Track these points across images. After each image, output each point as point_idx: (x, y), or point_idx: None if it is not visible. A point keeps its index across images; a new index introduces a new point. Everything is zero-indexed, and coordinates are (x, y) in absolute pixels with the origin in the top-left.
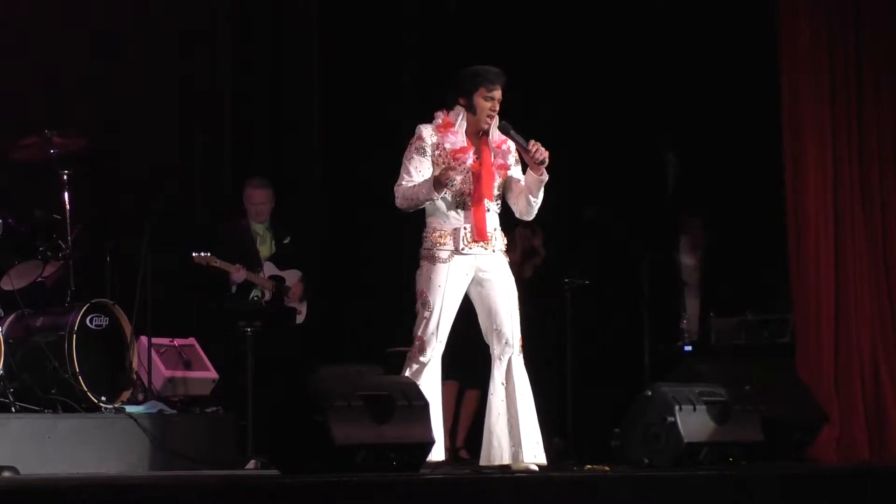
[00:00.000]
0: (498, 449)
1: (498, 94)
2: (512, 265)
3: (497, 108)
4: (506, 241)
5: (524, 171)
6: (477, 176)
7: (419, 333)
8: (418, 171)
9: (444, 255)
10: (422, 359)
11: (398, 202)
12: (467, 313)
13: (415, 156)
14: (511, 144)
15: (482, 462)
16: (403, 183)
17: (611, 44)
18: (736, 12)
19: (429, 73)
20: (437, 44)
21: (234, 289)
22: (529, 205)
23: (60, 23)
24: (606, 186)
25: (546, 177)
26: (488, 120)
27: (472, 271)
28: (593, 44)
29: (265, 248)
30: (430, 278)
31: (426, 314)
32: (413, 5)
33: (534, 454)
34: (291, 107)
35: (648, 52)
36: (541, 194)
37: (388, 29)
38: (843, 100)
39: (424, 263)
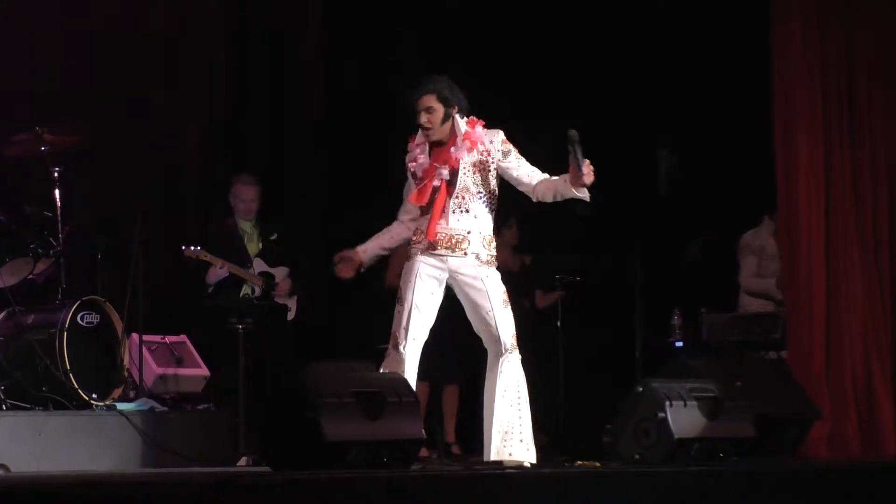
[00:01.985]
0: (498, 446)
1: (420, 104)
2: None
3: (426, 119)
4: (489, 243)
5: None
6: (440, 188)
7: (393, 329)
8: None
9: (416, 252)
10: (395, 355)
11: None
12: (441, 311)
13: (407, 181)
14: (486, 139)
15: (486, 459)
16: (400, 213)
17: (607, 42)
18: (729, 13)
19: (429, 72)
20: (437, 43)
21: (210, 289)
22: (552, 199)
23: (59, 22)
24: (599, 183)
25: (583, 195)
26: (427, 133)
27: (445, 272)
28: (590, 42)
29: (253, 246)
30: (405, 275)
31: (398, 308)
32: (413, 3)
33: (527, 450)
34: (290, 106)
35: (644, 51)
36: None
37: (387, 27)
38: (835, 99)
39: (406, 262)
